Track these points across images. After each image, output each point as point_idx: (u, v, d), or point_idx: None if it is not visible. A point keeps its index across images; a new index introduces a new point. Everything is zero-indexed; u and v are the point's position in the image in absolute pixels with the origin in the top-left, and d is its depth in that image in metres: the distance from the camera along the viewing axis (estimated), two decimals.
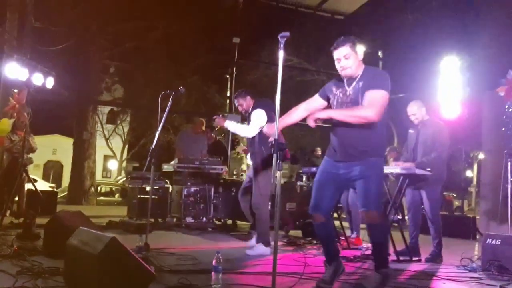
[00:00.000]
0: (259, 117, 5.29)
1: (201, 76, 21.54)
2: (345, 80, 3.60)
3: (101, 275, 2.81)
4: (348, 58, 3.49)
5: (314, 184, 3.77)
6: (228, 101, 12.67)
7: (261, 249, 5.15)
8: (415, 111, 5.46)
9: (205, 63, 20.53)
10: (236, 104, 5.65)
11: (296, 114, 3.82)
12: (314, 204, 3.66)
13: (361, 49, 3.53)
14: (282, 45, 3.09)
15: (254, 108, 5.43)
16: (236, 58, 12.53)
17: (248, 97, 5.51)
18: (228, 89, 12.86)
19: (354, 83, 3.53)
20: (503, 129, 7.58)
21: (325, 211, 3.66)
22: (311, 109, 3.76)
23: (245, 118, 5.70)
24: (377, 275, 3.54)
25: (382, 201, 4.14)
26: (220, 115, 5.75)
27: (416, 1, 15.00)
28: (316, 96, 3.84)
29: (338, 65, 3.55)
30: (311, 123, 3.48)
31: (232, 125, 5.61)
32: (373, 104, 3.35)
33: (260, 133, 5.18)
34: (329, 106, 3.71)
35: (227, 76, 12.99)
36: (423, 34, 14.13)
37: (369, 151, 3.51)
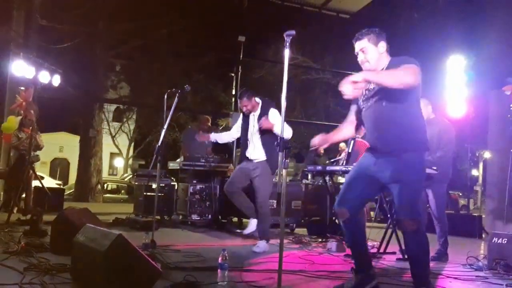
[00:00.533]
0: (278, 116, 5.29)
1: (206, 74, 21.57)
2: None
3: (107, 271, 2.83)
4: (366, 52, 3.29)
5: (347, 176, 3.55)
6: (233, 99, 12.70)
7: (264, 245, 5.20)
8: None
9: (211, 61, 20.56)
10: (240, 105, 5.65)
11: (345, 130, 3.60)
12: (339, 198, 3.39)
13: (382, 43, 3.31)
14: (288, 44, 3.08)
15: (265, 108, 5.48)
16: (241, 56, 12.53)
17: (254, 99, 5.52)
18: (234, 87, 12.88)
19: None
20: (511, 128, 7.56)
21: (350, 206, 3.33)
22: (353, 119, 3.57)
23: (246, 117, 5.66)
24: None
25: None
26: (264, 117, 5.46)
27: None
28: (352, 107, 3.61)
29: (358, 59, 3.36)
30: (348, 90, 2.95)
31: (276, 128, 5.30)
32: (410, 69, 3.02)
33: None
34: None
35: (232, 75, 13.00)
36: (429, 33, 14.08)
37: (397, 147, 3.18)
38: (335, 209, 3.38)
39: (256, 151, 5.48)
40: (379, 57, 3.29)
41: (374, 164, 3.29)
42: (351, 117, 3.59)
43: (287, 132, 5.29)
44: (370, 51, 3.29)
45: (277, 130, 5.05)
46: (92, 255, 2.99)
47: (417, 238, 3.19)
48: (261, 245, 5.22)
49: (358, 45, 3.33)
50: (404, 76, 2.98)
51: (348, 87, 2.93)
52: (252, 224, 5.64)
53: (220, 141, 6.03)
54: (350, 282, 3.38)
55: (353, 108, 3.57)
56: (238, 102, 5.73)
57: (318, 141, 3.50)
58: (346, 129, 3.60)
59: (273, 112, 5.42)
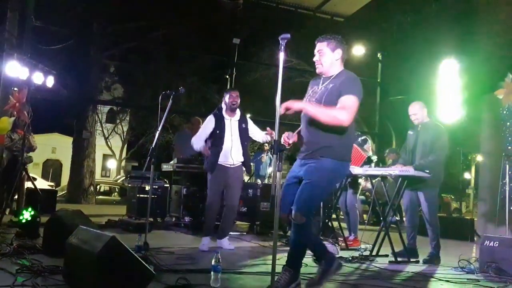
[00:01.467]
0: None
1: (200, 76, 21.55)
2: (322, 78, 3.58)
3: (100, 273, 2.82)
4: (322, 55, 3.50)
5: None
6: None
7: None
8: (416, 111, 5.48)
9: (205, 63, 20.55)
10: (229, 99, 5.49)
11: None
12: (281, 205, 3.44)
13: (339, 49, 3.50)
14: (283, 47, 3.10)
15: (242, 115, 5.68)
16: (236, 59, 12.53)
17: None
18: None
19: (326, 83, 3.49)
20: (507, 134, 7.62)
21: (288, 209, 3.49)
22: None
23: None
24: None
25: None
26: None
27: (415, 3, 15.03)
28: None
29: (314, 59, 3.57)
30: (281, 110, 3.23)
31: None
32: (347, 108, 3.28)
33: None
34: None
35: (227, 77, 12.98)
36: (422, 37, 14.16)
37: (319, 151, 3.39)
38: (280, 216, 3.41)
39: (239, 155, 5.51)
40: (332, 63, 3.51)
41: (298, 164, 3.53)
42: None
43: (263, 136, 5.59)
44: (326, 55, 3.50)
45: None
46: (85, 257, 2.98)
47: (298, 232, 3.42)
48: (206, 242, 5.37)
49: (318, 46, 3.54)
50: (339, 116, 3.26)
51: (282, 110, 3.23)
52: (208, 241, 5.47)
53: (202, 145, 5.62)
54: (317, 271, 3.56)
55: None
56: (227, 95, 5.53)
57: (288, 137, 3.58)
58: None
59: (249, 120, 5.71)
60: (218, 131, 5.44)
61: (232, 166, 5.45)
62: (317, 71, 3.57)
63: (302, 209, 3.33)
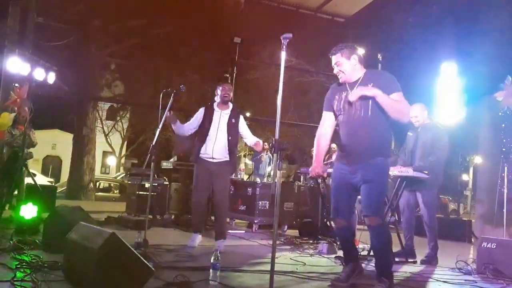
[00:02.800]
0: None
1: (201, 74, 21.52)
2: (347, 85, 3.70)
3: (100, 269, 2.84)
4: (340, 65, 3.69)
5: (332, 190, 3.88)
6: None
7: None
8: (417, 113, 5.49)
9: (206, 62, 20.52)
10: (222, 91, 5.44)
11: (324, 144, 3.91)
12: (334, 208, 3.78)
13: (354, 55, 3.68)
14: (284, 47, 3.13)
15: (235, 111, 5.52)
16: (236, 57, 12.54)
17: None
18: None
19: (355, 87, 3.62)
20: (502, 136, 7.64)
21: (345, 215, 3.75)
22: (327, 127, 3.88)
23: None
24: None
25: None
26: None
27: (416, 5, 15.03)
28: (324, 113, 3.91)
29: (334, 71, 3.76)
30: (353, 97, 3.53)
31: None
32: (407, 106, 3.57)
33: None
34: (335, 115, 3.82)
35: (227, 76, 12.99)
36: (423, 38, 14.16)
37: (372, 151, 3.57)
38: (332, 218, 3.80)
39: (222, 150, 5.32)
40: (353, 69, 3.69)
41: (348, 171, 3.66)
42: (327, 126, 3.88)
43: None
44: (344, 64, 3.68)
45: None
46: (85, 253, 3.00)
47: (381, 233, 3.59)
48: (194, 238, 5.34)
49: (334, 59, 3.73)
50: (404, 110, 3.53)
51: (354, 97, 3.51)
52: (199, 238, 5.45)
53: (184, 133, 5.49)
54: (345, 271, 3.75)
55: (328, 115, 3.87)
56: (220, 88, 5.50)
57: (318, 171, 3.88)
58: (324, 143, 3.92)
59: (242, 118, 5.54)
60: (206, 122, 5.36)
61: (214, 161, 5.28)
62: (341, 80, 3.74)
63: (377, 212, 3.56)
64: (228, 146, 5.32)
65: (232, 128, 5.36)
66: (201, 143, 5.32)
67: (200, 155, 5.32)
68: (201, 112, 5.48)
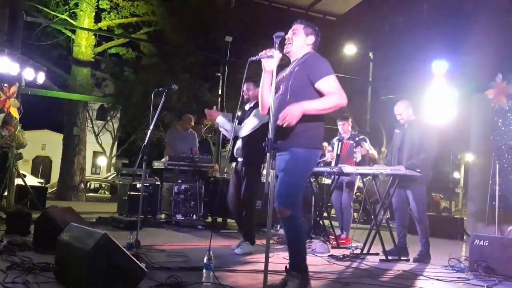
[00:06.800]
0: (259, 117, 5.14)
1: (192, 73, 21.50)
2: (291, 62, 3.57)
3: (92, 270, 2.82)
4: (295, 34, 3.52)
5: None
6: (219, 99, 12.62)
7: (248, 247, 5.15)
8: (401, 110, 5.50)
9: (197, 61, 20.49)
10: (244, 88, 5.23)
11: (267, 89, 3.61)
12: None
13: (313, 37, 3.52)
14: (277, 45, 3.12)
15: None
16: (228, 56, 12.52)
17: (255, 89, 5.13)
18: (220, 88, 12.81)
19: (292, 66, 3.52)
20: (493, 135, 7.69)
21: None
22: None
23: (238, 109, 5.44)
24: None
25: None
26: (214, 107, 5.56)
27: (407, 4, 15.08)
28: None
29: (287, 36, 3.51)
30: (279, 122, 3.18)
31: (223, 122, 5.24)
32: (337, 91, 3.27)
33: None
34: None
35: (219, 75, 12.95)
36: (414, 37, 14.21)
37: (294, 140, 3.30)
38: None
39: (239, 149, 5.29)
40: (302, 46, 3.52)
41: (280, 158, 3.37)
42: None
43: (240, 131, 5.23)
44: (299, 36, 3.51)
45: (221, 124, 5.27)
46: (76, 254, 2.97)
47: (292, 224, 3.30)
48: (245, 247, 5.15)
49: (294, 26, 3.55)
50: (339, 101, 3.23)
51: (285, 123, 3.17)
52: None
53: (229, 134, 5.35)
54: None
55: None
56: (244, 85, 5.20)
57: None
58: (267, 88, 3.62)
59: (258, 110, 5.17)
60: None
61: (238, 160, 5.36)
62: (285, 50, 3.54)
63: (286, 202, 3.27)
64: (242, 144, 5.32)
65: None
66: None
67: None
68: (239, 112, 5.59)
